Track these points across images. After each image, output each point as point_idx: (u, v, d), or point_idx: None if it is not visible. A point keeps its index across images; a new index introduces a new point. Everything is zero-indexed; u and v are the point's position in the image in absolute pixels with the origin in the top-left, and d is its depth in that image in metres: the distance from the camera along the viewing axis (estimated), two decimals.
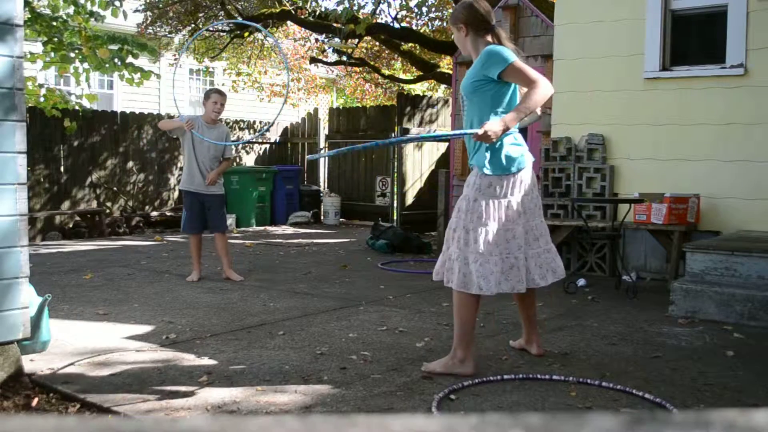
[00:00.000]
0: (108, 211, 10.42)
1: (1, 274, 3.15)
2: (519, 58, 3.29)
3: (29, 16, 8.04)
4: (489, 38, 3.39)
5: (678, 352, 3.79)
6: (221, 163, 6.06)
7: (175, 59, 13.94)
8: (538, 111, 3.47)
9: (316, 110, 13.09)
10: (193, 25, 13.01)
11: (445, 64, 13.57)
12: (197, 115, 6.11)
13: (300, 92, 17.56)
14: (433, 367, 3.38)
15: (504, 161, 3.26)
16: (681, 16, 6.09)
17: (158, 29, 12.97)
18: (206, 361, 3.55)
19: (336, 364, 3.50)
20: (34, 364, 3.42)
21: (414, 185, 11.05)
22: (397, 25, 12.58)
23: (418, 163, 11.17)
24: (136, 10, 12.39)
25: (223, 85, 16.46)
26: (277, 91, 16.94)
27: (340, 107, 15.86)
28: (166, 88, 15.23)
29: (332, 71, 17.63)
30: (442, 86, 16.17)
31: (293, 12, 11.79)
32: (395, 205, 10.99)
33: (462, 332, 3.34)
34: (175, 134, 6.22)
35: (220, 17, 13.25)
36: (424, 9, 12.80)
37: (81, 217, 10.01)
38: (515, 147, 3.30)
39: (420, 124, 11.16)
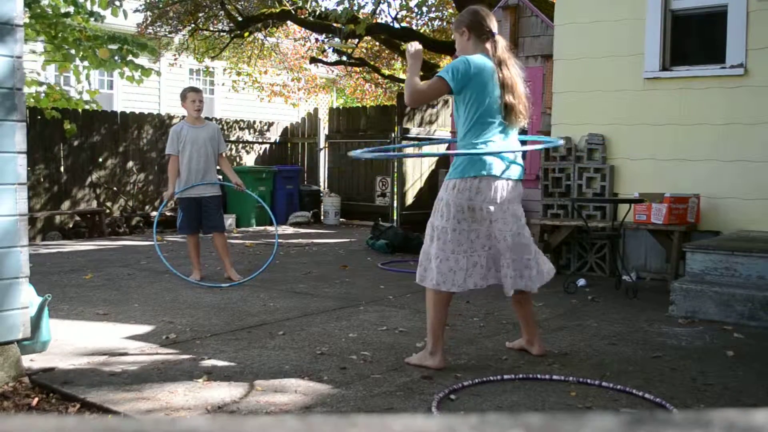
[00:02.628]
0: (108, 211, 10.42)
1: (1, 274, 3.16)
2: (507, 67, 3.40)
3: (29, 15, 8.04)
4: (487, 46, 3.45)
5: (678, 352, 3.79)
6: (220, 161, 6.03)
7: (175, 59, 13.94)
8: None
9: (316, 110, 13.09)
10: (192, 25, 13.01)
11: (445, 64, 13.56)
12: (181, 123, 6.02)
13: (300, 92, 17.57)
14: (411, 359, 3.52)
15: (467, 166, 3.33)
16: (681, 16, 6.09)
17: (158, 29, 12.97)
18: (206, 361, 3.55)
19: (336, 364, 3.50)
20: (34, 364, 3.42)
21: (414, 185, 11.06)
22: (397, 25, 12.58)
23: (418, 163, 11.18)
24: (136, 10, 12.40)
25: (223, 84, 16.49)
26: (277, 91, 16.95)
27: (340, 107, 15.86)
28: (166, 88, 15.24)
29: (332, 71, 17.63)
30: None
31: (293, 12, 11.80)
32: (395, 205, 10.99)
33: (431, 326, 3.45)
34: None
35: (220, 17, 13.26)
36: (424, 9, 12.81)
37: (81, 217, 10.00)
38: (483, 154, 3.33)
39: (420, 125, 11.16)
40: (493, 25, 3.49)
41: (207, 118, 6.13)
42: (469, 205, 3.32)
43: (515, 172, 3.43)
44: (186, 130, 5.90)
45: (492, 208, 3.34)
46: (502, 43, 3.47)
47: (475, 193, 3.31)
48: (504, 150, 3.37)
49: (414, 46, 3.54)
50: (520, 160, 3.49)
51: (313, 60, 14.03)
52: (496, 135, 3.36)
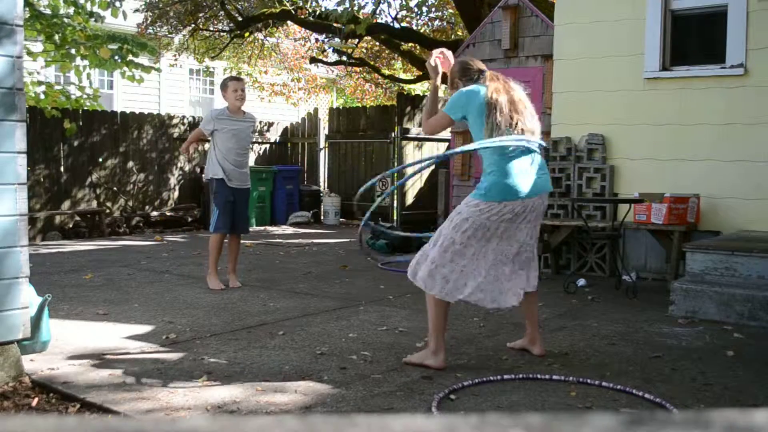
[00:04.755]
0: (108, 211, 10.42)
1: (1, 274, 3.15)
2: (499, 90, 3.47)
3: (29, 14, 8.05)
4: (482, 82, 3.55)
5: (678, 352, 3.79)
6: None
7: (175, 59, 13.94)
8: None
9: (316, 110, 13.09)
10: (193, 25, 13.01)
11: None
12: (222, 108, 5.76)
13: (300, 92, 17.57)
14: (410, 358, 3.54)
15: (493, 191, 3.36)
16: (681, 16, 6.09)
17: (158, 29, 12.96)
18: (206, 361, 3.55)
19: (336, 364, 3.50)
20: (34, 364, 3.42)
21: (414, 185, 11.06)
22: (397, 25, 12.58)
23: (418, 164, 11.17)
24: (136, 10, 12.40)
25: None
26: (278, 91, 16.95)
27: (340, 107, 15.86)
28: (166, 88, 15.24)
29: (332, 71, 17.63)
30: (443, 86, 16.15)
31: (293, 12, 11.80)
32: (395, 205, 10.99)
33: (432, 326, 3.48)
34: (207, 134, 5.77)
35: (220, 17, 13.25)
36: (424, 9, 12.80)
37: (81, 217, 10.00)
38: (510, 179, 3.36)
39: (420, 125, 11.16)
40: (480, 65, 3.66)
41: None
42: (486, 225, 3.36)
43: (540, 187, 3.44)
44: (227, 121, 5.63)
45: (508, 225, 3.38)
46: (492, 75, 3.57)
47: (495, 213, 3.35)
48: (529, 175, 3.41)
49: (433, 55, 3.70)
50: (546, 173, 3.52)
51: (313, 60, 14.03)
52: (520, 157, 3.39)
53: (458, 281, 3.39)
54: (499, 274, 3.43)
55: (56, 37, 8.34)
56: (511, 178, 3.36)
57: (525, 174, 3.38)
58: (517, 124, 3.39)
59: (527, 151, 3.42)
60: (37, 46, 10.00)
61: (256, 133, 12.45)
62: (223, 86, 5.72)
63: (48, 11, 8.86)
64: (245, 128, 5.75)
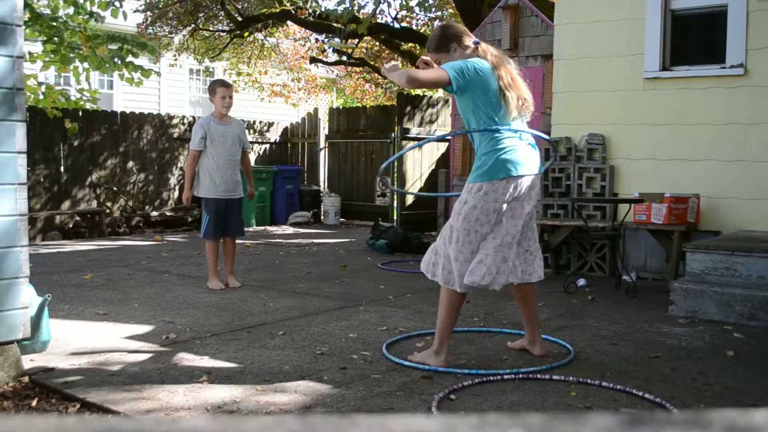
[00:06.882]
0: (108, 211, 10.42)
1: (1, 274, 3.16)
2: (503, 64, 3.42)
3: (29, 16, 8.05)
4: (478, 51, 3.48)
5: (678, 352, 3.79)
6: (243, 159, 5.79)
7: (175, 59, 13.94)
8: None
9: (316, 110, 13.09)
10: (193, 25, 13.02)
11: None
12: (207, 117, 5.73)
13: (300, 92, 17.57)
14: (412, 357, 3.54)
15: (493, 169, 3.35)
16: (681, 16, 6.09)
17: (158, 29, 12.97)
18: (206, 361, 3.55)
19: (336, 364, 3.50)
20: (34, 364, 3.42)
21: (414, 185, 11.05)
22: (397, 25, 12.58)
23: (418, 163, 11.18)
24: (136, 11, 12.40)
25: None
26: (277, 91, 16.95)
27: (340, 107, 15.86)
28: (166, 88, 15.24)
29: (332, 71, 17.63)
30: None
31: (293, 12, 11.80)
32: (395, 205, 10.99)
33: (440, 325, 3.48)
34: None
35: (220, 17, 13.26)
36: (425, 7, 12.81)
37: (81, 217, 10.00)
38: (509, 154, 3.36)
39: (420, 124, 11.16)
40: (470, 34, 3.56)
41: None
42: (494, 207, 3.35)
43: (536, 166, 3.47)
44: (214, 127, 5.60)
45: (513, 204, 3.39)
46: (487, 46, 3.53)
47: (501, 194, 3.35)
48: (528, 151, 3.43)
49: (389, 64, 3.54)
50: (537, 153, 3.53)
51: (313, 60, 14.03)
52: (514, 134, 3.40)
53: (479, 269, 3.38)
54: (507, 256, 3.42)
55: (55, 39, 8.34)
56: (510, 153, 3.36)
57: (522, 150, 3.40)
58: (524, 100, 3.42)
59: (518, 125, 3.44)
60: (37, 47, 10.00)
61: (257, 134, 12.47)
62: (211, 90, 5.71)
63: (47, 11, 8.86)
64: (232, 133, 5.68)
